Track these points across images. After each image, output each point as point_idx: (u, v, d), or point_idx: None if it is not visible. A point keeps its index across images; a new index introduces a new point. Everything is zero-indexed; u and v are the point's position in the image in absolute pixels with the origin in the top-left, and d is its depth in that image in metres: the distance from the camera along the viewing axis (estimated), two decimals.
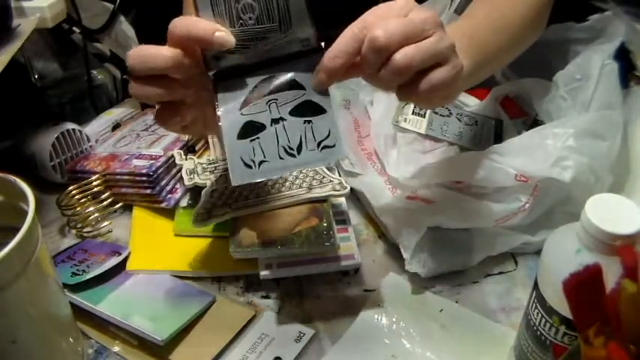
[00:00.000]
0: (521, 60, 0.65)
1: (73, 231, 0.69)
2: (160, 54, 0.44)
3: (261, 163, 0.47)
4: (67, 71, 0.84)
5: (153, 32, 0.50)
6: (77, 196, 0.70)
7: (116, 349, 0.56)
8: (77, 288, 0.59)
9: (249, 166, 0.47)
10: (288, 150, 0.47)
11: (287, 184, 0.65)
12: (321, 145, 0.47)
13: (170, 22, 0.45)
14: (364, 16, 0.45)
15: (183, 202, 0.69)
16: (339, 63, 0.45)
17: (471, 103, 0.80)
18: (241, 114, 0.48)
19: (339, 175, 0.67)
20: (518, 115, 0.76)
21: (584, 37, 0.71)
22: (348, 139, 0.73)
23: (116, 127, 0.83)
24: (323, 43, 0.48)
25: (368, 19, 0.45)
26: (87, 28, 0.81)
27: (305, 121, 0.47)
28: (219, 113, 0.48)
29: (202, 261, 0.64)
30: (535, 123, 0.73)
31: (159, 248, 0.66)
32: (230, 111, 0.48)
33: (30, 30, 0.66)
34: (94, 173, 0.71)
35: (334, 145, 0.47)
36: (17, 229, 0.42)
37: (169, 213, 0.69)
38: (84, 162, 0.74)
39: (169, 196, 0.69)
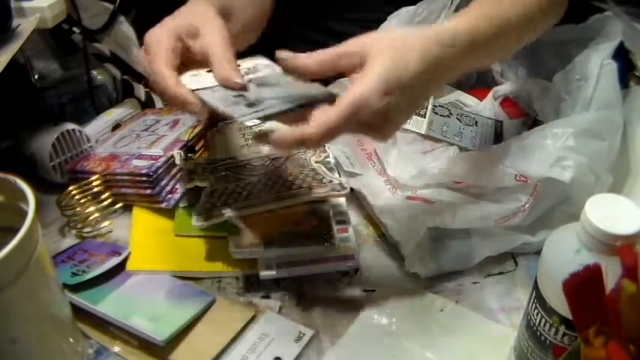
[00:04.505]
0: (521, 60, 0.65)
1: (73, 231, 0.69)
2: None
3: None
4: (67, 71, 0.84)
5: None
6: (77, 197, 0.70)
7: (116, 349, 0.56)
8: (77, 288, 0.59)
9: None
10: None
11: (287, 184, 0.65)
12: None
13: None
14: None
15: (183, 202, 0.69)
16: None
17: (470, 103, 0.80)
18: None
19: (339, 175, 0.67)
20: (518, 115, 0.76)
21: (582, 37, 0.71)
22: (348, 139, 0.73)
23: (116, 127, 0.83)
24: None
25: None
26: (87, 28, 0.81)
27: None
28: None
29: (202, 261, 0.64)
30: (535, 123, 0.73)
31: (159, 248, 0.66)
32: None
33: (30, 30, 0.66)
34: (94, 173, 0.71)
35: None
36: (17, 229, 0.42)
37: (169, 213, 0.69)
38: (84, 162, 0.74)
39: (169, 196, 0.69)
